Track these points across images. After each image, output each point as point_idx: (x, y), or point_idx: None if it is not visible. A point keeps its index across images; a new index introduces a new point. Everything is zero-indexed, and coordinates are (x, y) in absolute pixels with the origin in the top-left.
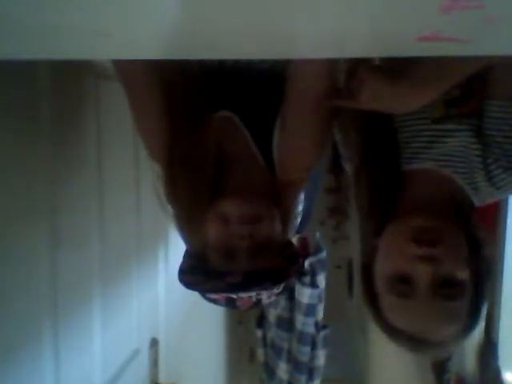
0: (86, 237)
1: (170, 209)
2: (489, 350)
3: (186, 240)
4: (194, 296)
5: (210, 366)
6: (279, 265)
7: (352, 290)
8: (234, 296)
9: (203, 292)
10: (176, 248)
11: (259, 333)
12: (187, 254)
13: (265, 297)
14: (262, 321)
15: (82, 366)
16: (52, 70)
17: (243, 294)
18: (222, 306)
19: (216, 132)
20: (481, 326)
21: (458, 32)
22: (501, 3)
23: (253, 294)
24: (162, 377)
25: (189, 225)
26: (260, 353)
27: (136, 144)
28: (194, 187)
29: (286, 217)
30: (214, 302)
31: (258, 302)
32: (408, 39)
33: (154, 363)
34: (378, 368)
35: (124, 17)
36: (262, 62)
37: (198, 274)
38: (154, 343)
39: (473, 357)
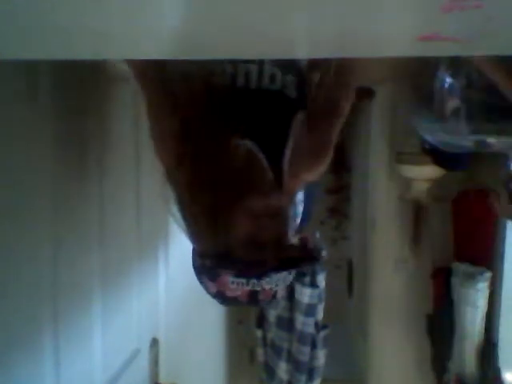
0: (87, 237)
1: (179, 216)
2: (489, 350)
3: (207, 242)
4: (195, 296)
5: (210, 366)
6: (300, 254)
7: (352, 290)
8: (258, 289)
9: (248, 277)
10: (176, 248)
11: (259, 333)
12: (206, 256)
13: (280, 289)
14: (262, 321)
15: (83, 365)
16: (52, 69)
17: (269, 285)
18: (242, 303)
19: (235, 158)
20: (481, 326)
21: (458, 32)
22: (501, 3)
23: (276, 283)
24: (162, 377)
25: (213, 226)
26: (260, 353)
27: (137, 143)
28: (215, 191)
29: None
30: (234, 300)
31: (275, 294)
32: (408, 39)
33: (154, 363)
34: (377, 368)
35: (125, 17)
36: (272, 81)
37: (235, 265)
38: (154, 343)
39: (473, 357)
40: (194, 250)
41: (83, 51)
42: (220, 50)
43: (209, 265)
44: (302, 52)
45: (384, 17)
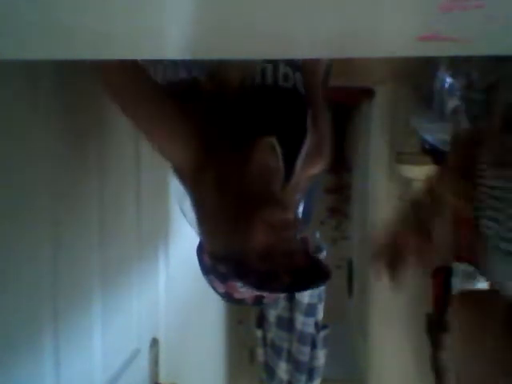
0: (87, 237)
1: (191, 215)
2: None
3: (221, 248)
4: (195, 296)
5: (210, 366)
6: (307, 264)
7: (352, 290)
8: (264, 294)
9: (264, 291)
10: (176, 248)
11: (259, 333)
12: (220, 260)
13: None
14: (262, 321)
15: (83, 365)
16: (52, 69)
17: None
18: (247, 305)
19: (257, 156)
20: None
21: (458, 32)
22: (501, 3)
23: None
24: (162, 377)
25: (230, 234)
26: (260, 353)
27: (137, 143)
28: (232, 202)
29: None
30: (240, 301)
31: (278, 296)
32: (408, 39)
33: (154, 363)
34: (377, 368)
35: (126, 17)
36: (286, 79)
37: (252, 276)
38: (154, 343)
39: None
40: (201, 247)
41: (83, 51)
42: (220, 50)
43: (222, 271)
44: (302, 52)
45: (384, 17)
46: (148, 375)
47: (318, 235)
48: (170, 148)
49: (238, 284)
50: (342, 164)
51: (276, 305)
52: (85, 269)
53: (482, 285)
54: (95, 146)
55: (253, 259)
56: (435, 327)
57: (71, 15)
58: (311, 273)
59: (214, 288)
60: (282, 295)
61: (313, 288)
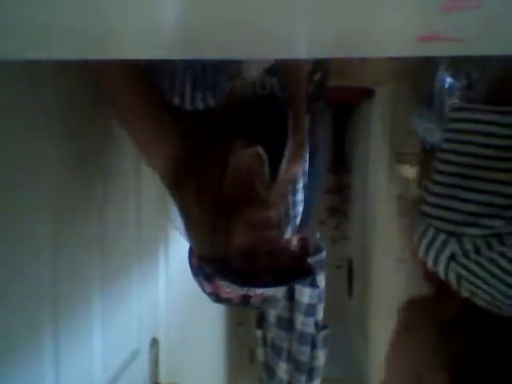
0: (87, 237)
1: (178, 220)
2: None
3: (205, 248)
4: (195, 296)
5: (210, 366)
6: (290, 264)
7: (352, 290)
8: (251, 294)
9: (250, 287)
10: (176, 249)
11: (259, 333)
12: (204, 260)
13: (270, 292)
14: (261, 321)
15: (82, 366)
16: (52, 69)
17: (263, 290)
18: (234, 305)
19: (243, 165)
20: None
21: (458, 32)
22: (500, 3)
23: (268, 289)
24: (162, 377)
25: (212, 234)
26: (260, 353)
27: None
28: (215, 202)
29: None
30: (227, 301)
31: (266, 297)
32: (408, 39)
33: (155, 363)
34: (377, 368)
35: (124, 17)
36: (263, 88)
37: (235, 275)
38: (154, 343)
39: None
40: (191, 250)
41: (83, 51)
42: (220, 50)
43: (208, 271)
44: (302, 52)
45: (384, 17)
46: (148, 375)
47: (318, 235)
48: (152, 152)
49: (224, 283)
50: (342, 164)
51: (276, 305)
52: (85, 269)
53: None
54: (96, 146)
55: (236, 259)
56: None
57: (71, 15)
58: (294, 270)
59: (203, 289)
60: (273, 294)
61: (295, 284)
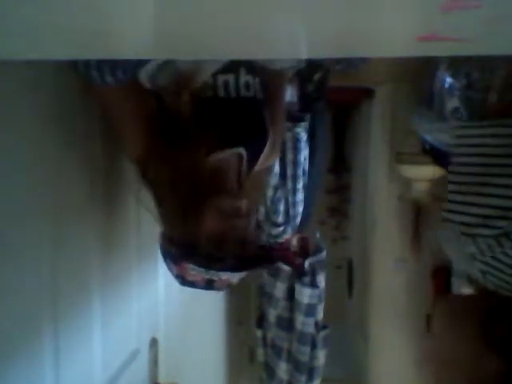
0: (87, 237)
1: (151, 204)
2: None
3: (175, 231)
4: (194, 296)
5: (210, 366)
6: (257, 252)
7: (352, 290)
8: (215, 278)
9: (211, 269)
10: None
11: (259, 333)
12: (172, 242)
13: (236, 279)
14: (261, 321)
15: (82, 366)
16: (52, 69)
17: (228, 276)
18: (199, 287)
19: (225, 165)
20: None
21: (458, 32)
22: (500, 3)
23: (234, 274)
24: (161, 377)
25: (183, 219)
26: (260, 353)
27: None
28: (187, 190)
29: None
30: (192, 284)
31: (230, 284)
32: (408, 39)
33: (154, 363)
34: (377, 368)
35: (123, 17)
36: (247, 88)
37: (198, 256)
38: (154, 343)
39: None
40: (162, 233)
41: (83, 51)
42: (220, 50)
43: (173, 252)
44: (302, 52)
45: (383, 17)
46: (147, 375)
47: (318, 235)
48: (127, 138)
49: (189, 266)
50: (342, 164)
51: (276, 305)
52: (85, 269)
53: None
54: (96, 146)
55: (205, 243)
56: None
57: (71, 15)
58: (259, 258)
59: (171, 271)
60: (234, 284)
61: (256, 269)
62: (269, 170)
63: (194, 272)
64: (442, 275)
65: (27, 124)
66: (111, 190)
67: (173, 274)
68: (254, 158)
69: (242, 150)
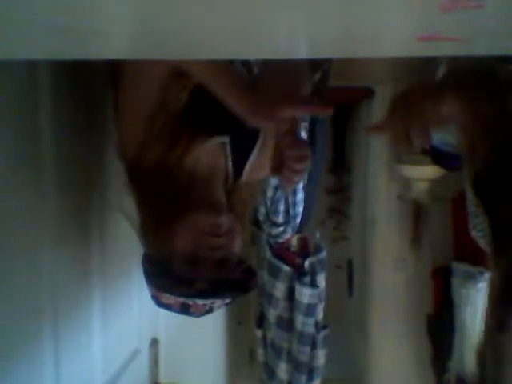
0: (87, 236)
1: (132, 214)
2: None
3: (150, 246)
4: None
5: (209, 366)
6: (239, 276)
7: (352, 290)
8: (190, 302)
9: (173, 294)
10: None
11: (259, 333)
12: (148, 259)
13: (217, 305)
14: (261, 321)
15: (82, 365)
16: (52, 69)
17: (203, 302)
18: (175, 311)
19: (206, 154)
20: (481, 326)
21: (458, 32)
22: (501, 3)
23: (212, 301)
24: (162, 377)
25: (155, 233)
26: (260, 353)
27: None
28: (165, 198)
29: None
30: (168, 307)
31: (210, 309)
32: (408, 39)
33: (154, 363)
34: (377, 368)
35: (123, 17)
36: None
37: (166, 278)
38: (154, 343)
39: (473, 357)
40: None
41: (83, 51)
42: (219, 50)
43: (149, 271)
44: (302, 52)
45: (384, 17)
46: (148, 375)
47: (318, 235)
48: (133, 129)
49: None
50: (342, 164)
51: (276, 305)
52: (85, 269)
53: (482, 285)
54: (96, 146)
55: (177, 262)
56: (435, 327)
57: (71, 15)
58: (233, 284)
59: (148, 290)
60: (216, 309)
61: (225, 298)
62: (259, 183)
63: (167, 295)
64: (441, 275)
65: (27, 124)
66: (111, 188)
67: (150, 294)
68: (241, 159)
69: (227, 139)
